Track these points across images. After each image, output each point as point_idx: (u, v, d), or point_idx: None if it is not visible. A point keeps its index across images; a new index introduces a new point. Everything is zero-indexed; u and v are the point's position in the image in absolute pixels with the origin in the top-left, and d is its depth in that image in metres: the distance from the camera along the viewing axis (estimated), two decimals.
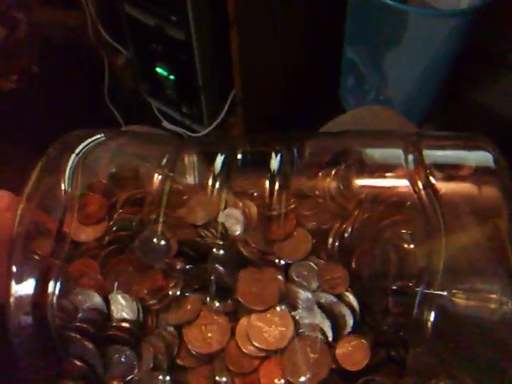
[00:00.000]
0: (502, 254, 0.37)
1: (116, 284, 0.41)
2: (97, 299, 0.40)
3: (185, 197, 0.45)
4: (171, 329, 0.40)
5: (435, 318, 0.37)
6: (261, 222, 0.43)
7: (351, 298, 0.40)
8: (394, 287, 0.39)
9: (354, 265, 0.41)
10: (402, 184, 0.42)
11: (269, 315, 0.40)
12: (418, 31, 1.09)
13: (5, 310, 0.37)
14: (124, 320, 0.40)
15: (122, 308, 0.40)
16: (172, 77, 1.26)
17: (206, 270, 0.40)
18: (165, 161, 0.46)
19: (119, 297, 0.40)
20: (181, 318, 0.40)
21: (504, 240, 0.37)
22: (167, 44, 1.17)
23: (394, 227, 0.41)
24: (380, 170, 0.44)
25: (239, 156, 0.46)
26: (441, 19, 1.06)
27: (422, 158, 0.42)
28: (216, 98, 1.25)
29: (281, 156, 0.44)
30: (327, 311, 0.39)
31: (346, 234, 0.41)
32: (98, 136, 0.46)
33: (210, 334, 0.39)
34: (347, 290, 0.40)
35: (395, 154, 0.44)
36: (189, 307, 0.40)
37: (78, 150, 0.44)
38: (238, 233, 0.42)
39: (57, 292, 0.39)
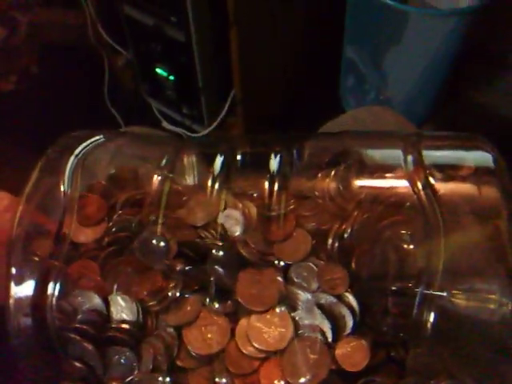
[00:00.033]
0: (501, 254, 0.37)
1: (115, 285, 0.41)
2: (96, 300, 0.40)
3: (184, 198, 0.45)
4: (171, 330, 0.40)
5: (435, 318, 0.37)
6: (260, 222, 0.43)
7: (351, 298, 0.40)
8: (394, 288, 0.39)
9: (353, 265, 0.41)
10: (402, 184, 0.42)
11: (268, 316, 0.40)
12: (418, 31, 1.09)
13: (4, 312, 0.37)
14: (124, 321, 0.40)
15: (122, 309, 0.40)
16: (172, 77, 1.26)
17: (205, 271, 0.40)
18: (164, 162, 0.45)
19: (119, 298, 0.40)
20: (180, 319, 0.40)
21: (503, 240, 0.37)
22: (167, 44, 1.17)
23: (393, 228, 0.41)
24: (379, 170, 0.44)
25: (239, 157, 0.46)
26: (440, 19, 1.06)
27: (422, 158, 0.42)
28: (216, 98, 1.25)
29: (280, 157, 0.44)
30: (327, 312, 0.39)
31: (345, 235, 0.41)
32: (97, 137, 0.46)
33: (209, 335, 0.39)
34: (347, 291, 0.40)
35: (394, 154, 0.44)
36: (188, 308, 0.40)
37: (77, 152, 0.44)
38: (237, 234, 0.42)
39: (56, 293, 0.39)
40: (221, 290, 0.40)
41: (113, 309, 0.40)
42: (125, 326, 0.39)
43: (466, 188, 0.41)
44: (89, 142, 0.45)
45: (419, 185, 0.41)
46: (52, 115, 1.12)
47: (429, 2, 1.18)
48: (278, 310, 0.40)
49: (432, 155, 0.43)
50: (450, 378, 0.37)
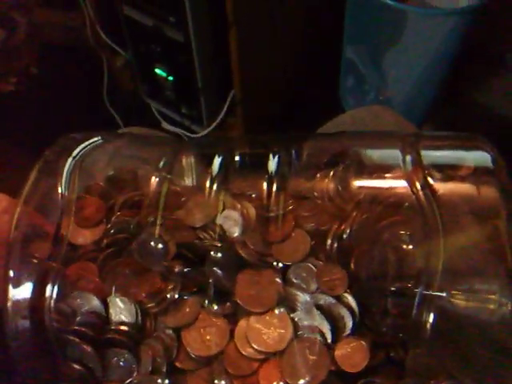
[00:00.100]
0: (500, 254, 0.37)
1: (114, 287, 0.41)
2: (95, 302, 0.40)
3: (183, 199, 0.45)
4: (170, 332, 0.40)
5: (434, 318, 0.37)
6: (259, 223, 0.43)
7: (350, 299, 0.39)
8: (393, 288, 0.39)
9: (352, 266, 0.40)
10: (400, 185, 0.42)
11: (268, 317, 0.39)
12: (418, 31, 1.09)
13: (2, 314, 0.37)
14: (122, 323, 0.40)
15: (121, 311, 0.40)
16: (171, 78, 1.26)
17: (204, 273, 0.40)
18: (162, 163, 0.45)
19: (117, 300, 0.40)
20: (179, 320, 0.40)
21: (503, 240, 0.37)
22: (166, 45, 1.17)
23: (392, 228, 0.41)
24: (378, 170, 0.44)
25: (237, 157, 0.46)
26: (440, 18, 1.06)
27: (420, 158, 0.42)
28: (215, 98, 1.25)
29: (278, 157, 0.44)
30: (326, 313, 0.39)
31: (344, 235, 0.41)
32: (95, 139, 0.46)
33: (208, 337, 0.39)
34: (346, 292, 0.40)
35: (393, 154, 0.44)
36: (187, 310, 0.40)
37: (75, 153, 0.44)
38: (236, 234, 0.42)
39: (54, 295, 0.38)
40: (219, 291, 0.40)
41: (111, 310, 0.40)
42: (124, 327, 0.39)
43: (465, 188, 0.41)
44: (87, 143, 0.45)
45: (418, 185, 0.41)
46: (51, 116, 1.12)
47: (429, 1, 1.18)
48: (277, 311, 0.39)
49: (431, 155, 0.43)
50: (449, 379, 0.37)
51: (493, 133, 0.44)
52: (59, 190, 0.42)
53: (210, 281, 0.40)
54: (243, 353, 0.39)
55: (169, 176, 0.45)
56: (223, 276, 0.40)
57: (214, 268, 0.40)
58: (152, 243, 0.41)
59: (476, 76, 1.37)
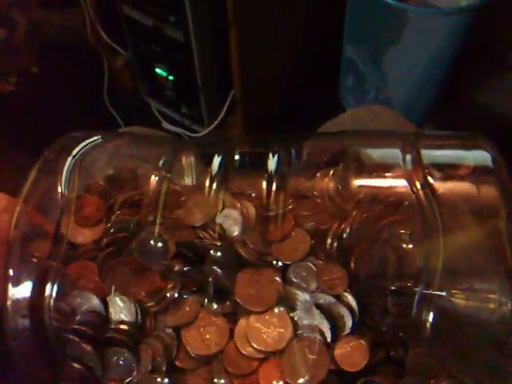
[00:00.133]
0: (500, 253, 0.37)
1: (114, 286, 0.41)
2: (95, 301, 0.40)
3: (182, 198, 0.45)
4: (169, 331, 0.40)
5: (434, 318, 0.37)
6: (259, 222, 0.43)
7: (350, 298, 0.39)
8: (393, 287, 0.39)
9: (352, 265, 0.40)
10: (400, 184, 0.42)
11: (267, 316, 0.39)
12: (418, 30, 1.09)
13: (2, 313, 0.37)
14: (122, 322, 0.40)
15: (120, 310, 0.40)
16: (171, 77, 1.26)
17: (203, 272, 0.40)
18: (162, 162, 0.45)
19: (117, 299, 0.40)
20: (179, 319, 0.40)
21: (502, 239, 0.37)
22: (166, 44, 1.17)
23: (392, 227, 0.41)
24: (378, 169, 0.44)
25: (237, 157, 0.46)
26: (440, 18, 1.06)
27: (420, 157, 0.42)
28: (215, 98, 1.25)
29: (278, 156, 0.44)
30: (326, 312, 0.39)
31: (344, 235, 0.41)
32: (95, 138, 0.46)
33: (208, 336, 0.39)
34: (346, 291, 0.40)
35: (393, 153, 0.44)
36: (187, 309, 0.40)
37: (74, 152, 0.44)
38: (235, 234, 0.42)
39: (54, 294, 0.38)
40: (219, 290, 0.40)
41: (111, 309, 0.40)
42: (123, 326, 0.39)
43: (464, 187, 0.41)
44: (86, 142, 0.45)
45: (418, 184, 0.41)
46: (51, 115, 1.12)
47: (429, 1, 1.18)
48: (276, 310, 0.39)
49: (431, 154, 0.43)
50: (449, 378, 0.37)
51: (493, 132, 0.44)
52: (59, 189, 0.42)
53: (210, 280, 0.40)
54: (243, 352, 0.39)
55: (168, 175, 0.45)
56: (223, 275, 0.40)
57: (214, 267, 0.40)
58: (152, 242, 0.41)
59: (476, 75, 1.37)
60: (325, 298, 0.40)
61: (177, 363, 0.40)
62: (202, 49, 1.13)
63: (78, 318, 0.39)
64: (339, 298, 0.40)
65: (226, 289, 0.40)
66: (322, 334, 0.39)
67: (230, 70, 1.15)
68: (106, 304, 0.40)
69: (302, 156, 0.47)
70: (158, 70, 1.27)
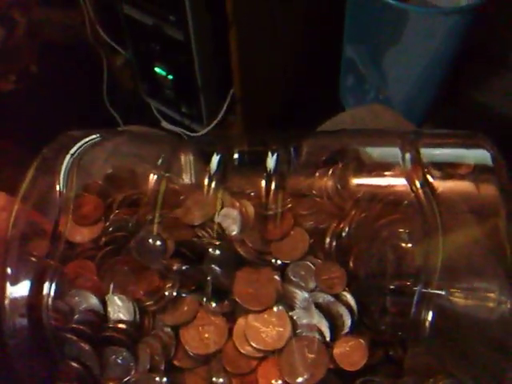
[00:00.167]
0: (500, 252, 0.36)
1: (112, 285, 0.41)
2: (93, 300, 0.40)
3: (181, 197, 0.45)
4: (168, 330, 0.40)
5: (433, 317, 0.37)
6: (258, 221, 0.43)
7: (349, 297, 0.39)
8: (392, 286, 0.39)
9: (351, 264, 0.40)
10: (400, 183, 0.42)
11: (266, 315, 0.39)
12: (418, 30, 1.09)
13: (0, 312, 0.37)
14: (120, 321, 0.39)
15: (119, 309, 0.40)
16: (171, 77, 1.26)
17: (202, 271, 0.40)
18: (161, 161, 0.45)
19: (116, 298, 0.40)
20: (178, 318, 0.40)
21: (502, 239, 0.37)
22: (166, 44, 1.17)
23: (391, 226, 0.41)
24: (377, 168, 0.44)
25: (235, 155, 0.46)
26: (440, 18, 1.06)
27: (420, 156, 0.42)
28: (215, 97, 1.25)
29: (277, 155, 0.44)
30: (325, 311, 0.39)
31: (343, 234, 0.41)
32: (94, 136, 0.46)
33: (207, 335, 0.39)
34: (345, 290, 0.39)
35: (392, 152, 0.44)
36: (186, 308, 0.40)
37: (73, 151, 0.44)
38: (234, 233, 0.42)
39: (52, 293, 0.38)
40: (218, 289, 0.40)
41: (110, 309, 0.40)
42: (122, 325, 0.39)
43: (464, 186, 0.41)
44: (85, 141, 0.45)
45: (417, 183, 0.40)
46: (51, 114, 1.12)
47: (429, 0, 1.17)
48: (275, 309, 0.39)
49: (430, 153, 0.43)
50: (448, 377, 0.37)
51: (493, 132, 0.44)
52: (57, 188, 0.42)
53: (209, 279, 0.40)
54: (242, 351, 0.39)
55: (167, 174, 0.45)
56: (222, 274, 0.40)
57: (213, 266, 0.40)
58: (150, 241, 0.41)
59: (476, 75, 1.37)
60: (324, 297, 0.40)
61: (175, 362, 0.39)
62: (201, 48, 1.13)
63: (76, 316, 0.39)
64: (338, 297, 0.39)
65: (224, 288, 0.40)
66: (320, 333, 0.39)
67: (229, 70, 1.15)
68: (104, 303, 0.40)
69: (301, 155, 0.47)
70: (157, 70, 1.27)
